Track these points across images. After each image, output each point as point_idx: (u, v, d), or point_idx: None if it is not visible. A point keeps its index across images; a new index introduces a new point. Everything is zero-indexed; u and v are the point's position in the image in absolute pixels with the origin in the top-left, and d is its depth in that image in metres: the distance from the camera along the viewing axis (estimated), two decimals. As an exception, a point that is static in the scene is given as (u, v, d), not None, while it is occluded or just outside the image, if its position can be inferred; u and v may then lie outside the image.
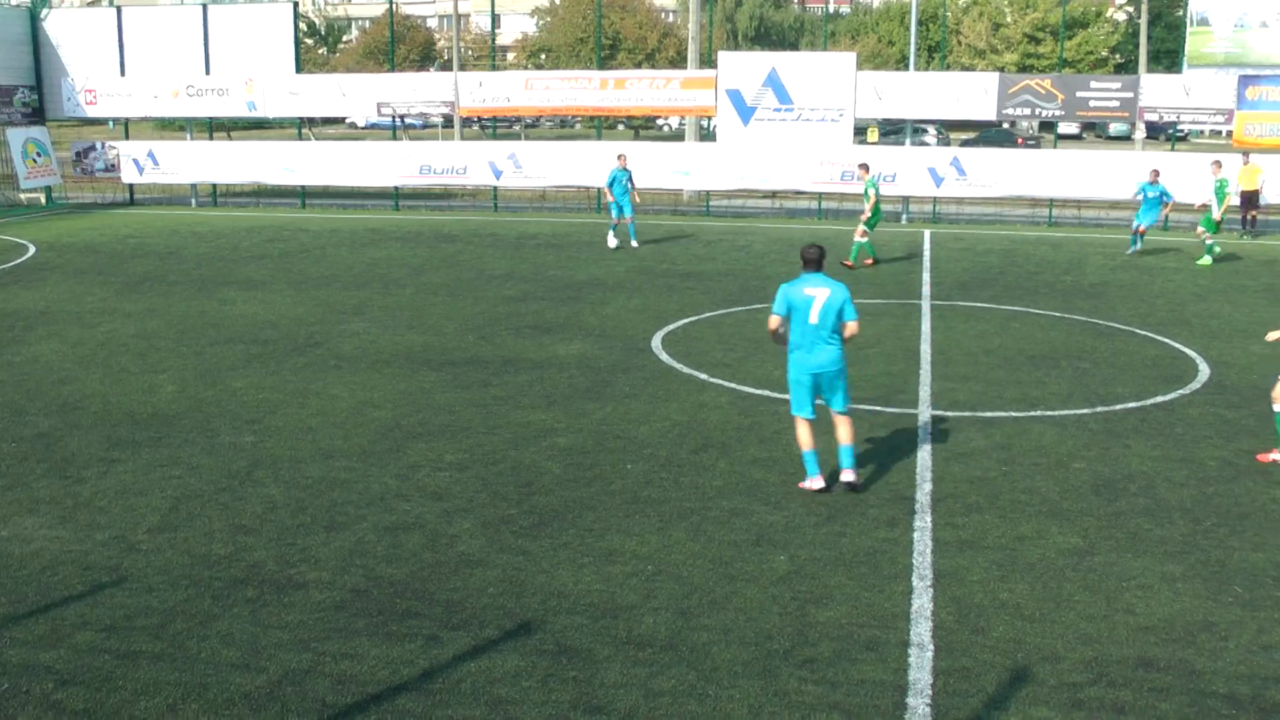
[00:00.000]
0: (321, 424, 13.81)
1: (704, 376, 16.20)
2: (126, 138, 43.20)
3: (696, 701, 7.62)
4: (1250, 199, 33.60)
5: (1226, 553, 10.29)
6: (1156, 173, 30.18)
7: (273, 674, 7.91)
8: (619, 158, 30.62)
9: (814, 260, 11.63)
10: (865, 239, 27.01)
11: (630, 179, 30.13)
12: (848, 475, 11.66)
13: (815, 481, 11.66)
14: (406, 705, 7.54)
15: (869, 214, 26.92)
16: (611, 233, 30.27)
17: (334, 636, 8.47)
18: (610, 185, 29.92)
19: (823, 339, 11.46)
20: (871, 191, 26.92)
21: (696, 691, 7.75)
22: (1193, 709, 7.65)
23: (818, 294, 11.44)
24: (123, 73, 40.57)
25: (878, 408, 14.74)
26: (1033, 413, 14.67)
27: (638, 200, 31.03)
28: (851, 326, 11.50)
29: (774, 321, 11.63)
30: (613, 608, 9.00)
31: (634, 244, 30.13)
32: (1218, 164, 30.13)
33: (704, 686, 7.82)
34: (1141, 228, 29.97)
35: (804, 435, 11.70)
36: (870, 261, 27.34)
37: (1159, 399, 15.40)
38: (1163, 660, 8.29)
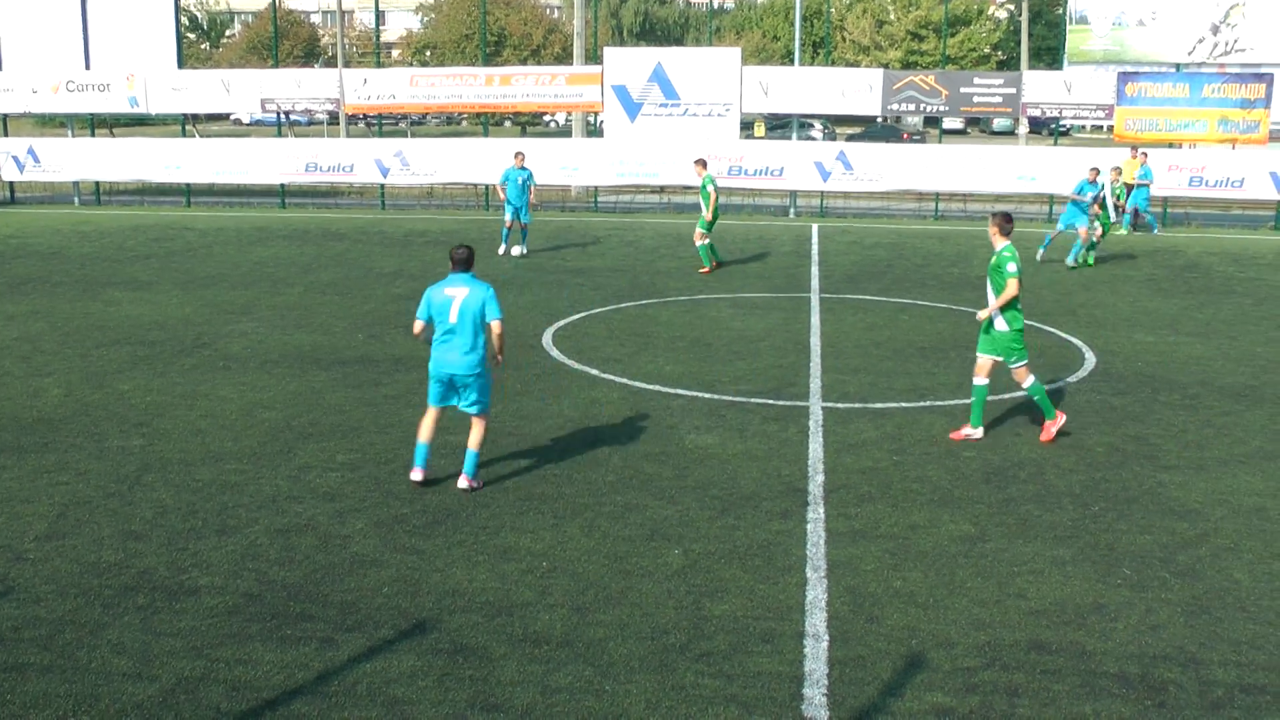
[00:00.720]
0: (211, 426, 13.58)
1: (595, 372, 16.17)
2: (5, 134, 42.11)
3: (594, 697, 7.60)
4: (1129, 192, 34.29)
5: (1115, 536, 10.49)
6: (1096, 171, 28.12)
7: (165, 682, 7.75)
8: (516, 155, 28.40)
9: (461, 260, 11.59)
10: (706, 241, 25.54)
11: (529, 180, 27.89)
12: (463, 481, 11.50)
13: (416, 473, 11.59)
14: (302, 709, 7.43)
15: (709, 214, 25.18)
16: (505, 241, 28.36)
17: (227, 642, 8.32)
18: (503, 183, 27.94)
19: (462, 340, 11.33)
20: (711, 189, 25.16)
21: (593, 687, 7.73)
22: (1084, 689, 7.79)
23: (457, 294, 11.39)
24: (0, 67, 39.55)
25: (769, 400, 14.82)
26: (923, 403, 14.85)
27: (535, 203, 28.79)
28: (495, 326, 11.42)
29: (417, 326, 11.64)
30: (508, 605, 8.94)
31: (520, 250, 27.95)
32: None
33: (601, 682, 7.80)
34: (1083, 230, 27.16)
35: (424, 426, 11.68)
36: (707, 269, 25.47)
37: (1047, 387, 15.61)
38: (1054, 643, 8.43)
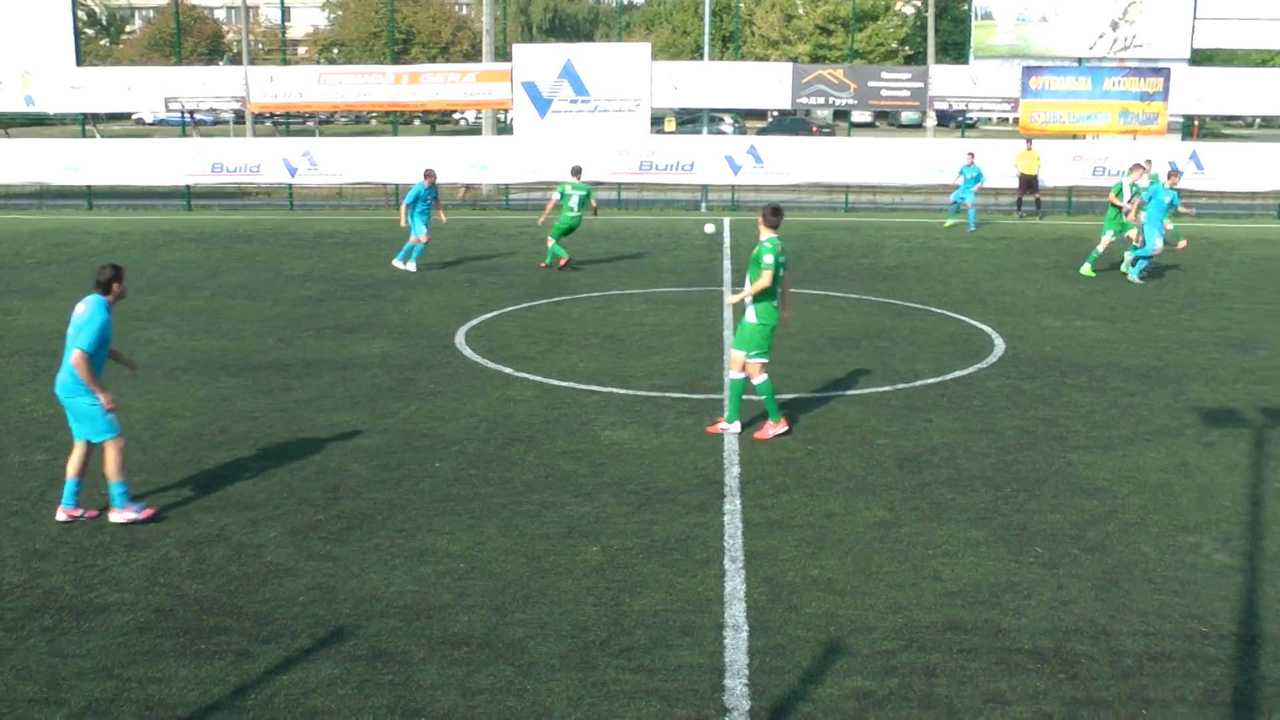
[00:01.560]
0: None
1: (509, 371, 16.10)
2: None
3: (515, 697, 7.56)
4: (1029, 183, 34.98)
5: (1026, 516, 10.64)
6: (972, 155, 33.38)
7: (74, 706, 7.56)
8: (426, 174, 25.73)
9: (103, 283, 11.03)
10: (554, 244, 24.94)
11: (436, 197, 25.59)
12: (114, 515, 10.69)
13: (71, 512, 10.78)
14: (217, 723, 7.32)
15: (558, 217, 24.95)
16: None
17: (139, 660, 8.15)
18: (411, 203, 25.24)
19: (64, 362, 10.75)
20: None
21: (514, 687, 7.68)
22: (1000, 666, 7.91)
23: (76, 313, 10.83)
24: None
25: (683, 394, 14.84)
26: (836, 393, 14.94)
27: (443, 220, 27.08)
28: (75, 355, 10.57)
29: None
30: (426, 608, 8.87)
31: (410, 267, 25.26)
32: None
33: (522, 682, 7.75)
34: (968, 203, 32.31)
35: (71, 463, 10.89)
36: (553, 263, 24.98)
37: (957, 374, 15.82)
38: (970, 622, 8.53)
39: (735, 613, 8.74)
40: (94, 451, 10.86)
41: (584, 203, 24.91)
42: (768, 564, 9.62)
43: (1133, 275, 23.57)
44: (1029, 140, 35.34)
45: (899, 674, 7.80)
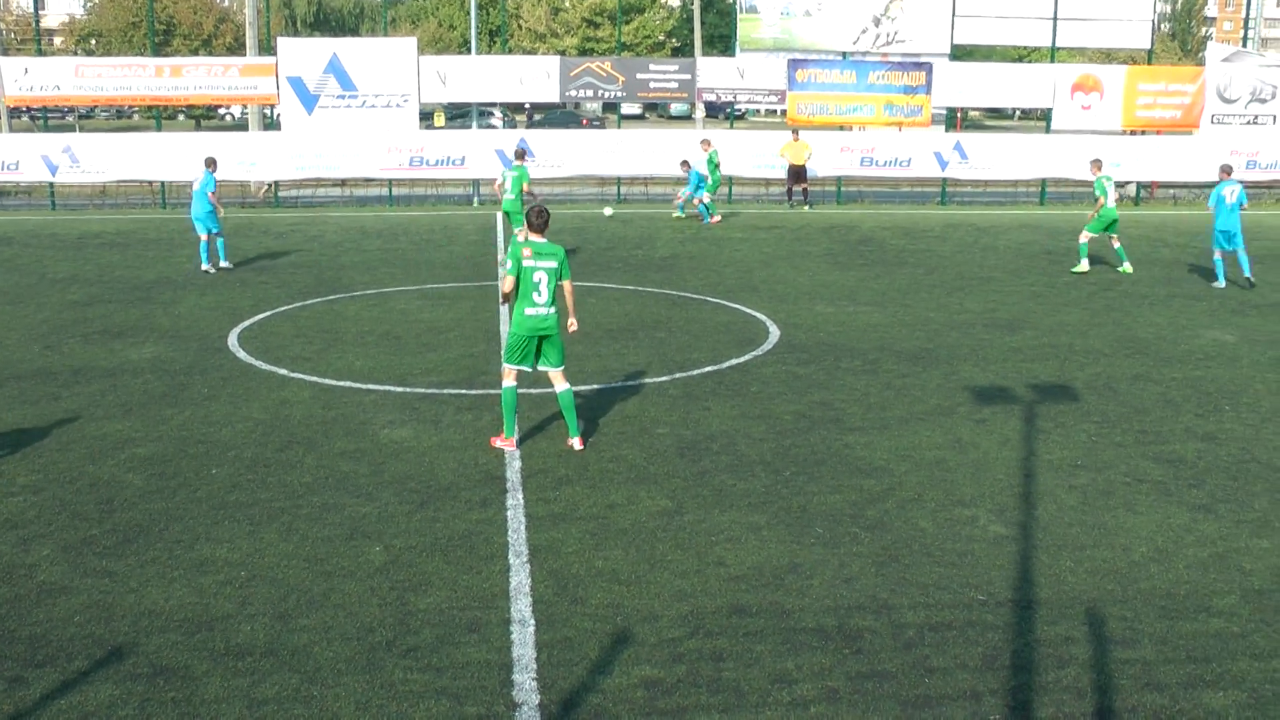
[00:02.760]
0: None
1: (284, 372, 15.77)
2: None
3: (302, 705, 7.41)
4: (798, 173, 35.73)
5: (806, 498, 10.87)
6: (707, 141, 33.74)
7: None
8: (208, 162, 24.77)
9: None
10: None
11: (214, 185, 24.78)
12: None
13: None
14: (-12, 751, 6.99)
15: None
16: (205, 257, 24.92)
17: (-102, 686, 7.74)
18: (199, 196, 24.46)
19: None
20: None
21: (301, 695, 7.53)
22: (785, 646, 8.06)
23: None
24: None
25: (462, 390, 14.74)
26: (614, 384, 15.01)
27: (222, 214, 25.54)
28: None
29: None
30: (208, 619, 8.62)
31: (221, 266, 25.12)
32: (705, 142, 32.68)
33: (308, 688, 7.61)
34: (696, 199, 32.73)
35: None
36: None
37: (734, 361, 16.05)
38: (754, 605, 8.67)
39: (521, 607, 8.71)
40: None
41: (518, 185, 24.74)
42: (552, 557, 9.62)
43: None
44: (795, 131, 36.08)
45: (686, 660, 7.87)
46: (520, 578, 9.23)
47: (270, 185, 39.33)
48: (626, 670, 7.76)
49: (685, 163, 33.80)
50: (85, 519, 10.71)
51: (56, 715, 7.40)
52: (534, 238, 12.30)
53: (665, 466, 11.83)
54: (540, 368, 12.49)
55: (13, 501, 11.18)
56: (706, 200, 32.73)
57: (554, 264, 12.27)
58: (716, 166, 33.07)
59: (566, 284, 12.53)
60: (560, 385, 12.51)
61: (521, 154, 26.71)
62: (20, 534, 10.38)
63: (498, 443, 12.58)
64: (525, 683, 7.63)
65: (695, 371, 15.51)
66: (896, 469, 11.73)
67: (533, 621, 8.47)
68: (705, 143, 33.47)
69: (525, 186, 24.97)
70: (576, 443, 12.49)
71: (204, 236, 24.26)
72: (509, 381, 12.42)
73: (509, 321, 12.58)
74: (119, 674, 7.88)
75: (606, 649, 8.05)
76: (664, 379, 15.21)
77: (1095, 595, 8.96)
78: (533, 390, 14.51)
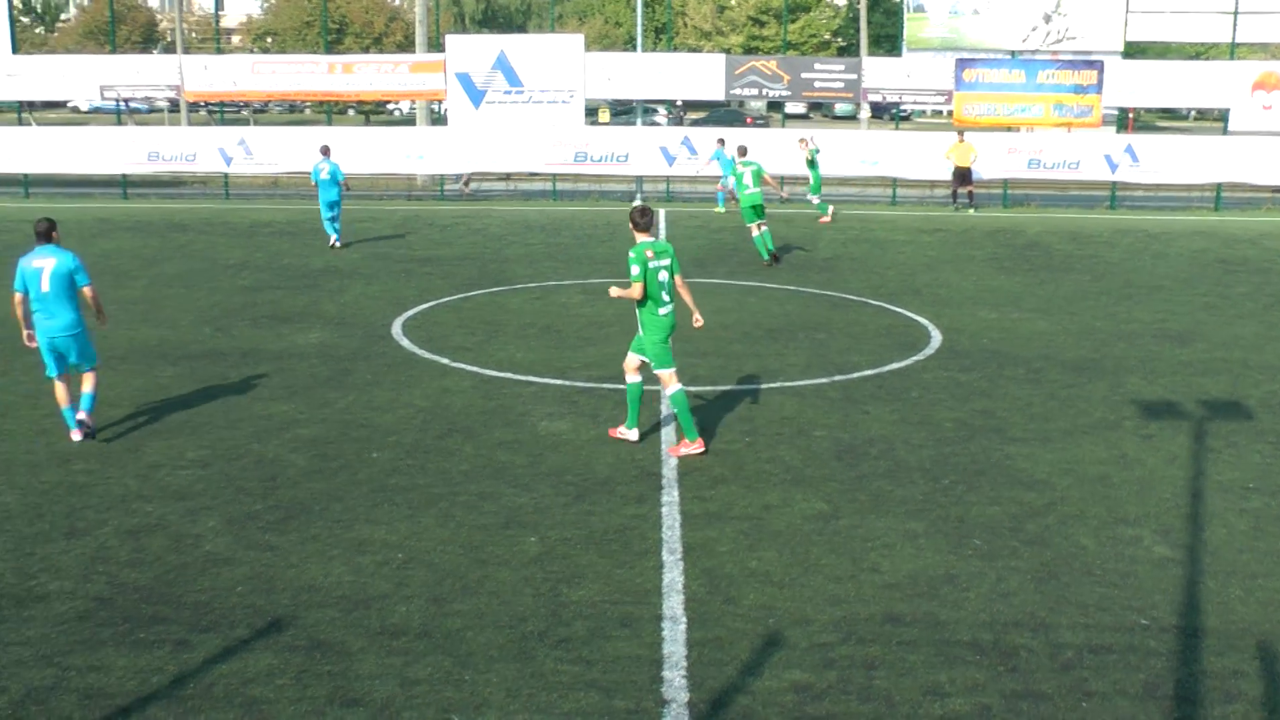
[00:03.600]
0: (56, 426, 13.08)
1: (446, 361, 15.99)
2: None
3: (453, 688, 7.50)
4: (963, 175, 35.10)
5: (965, 508, 10.66)
6: (721, 141, 35.19)
7: (14, 694, 7.45)
8: (323, 149, 28.16)
9: (43, 233, 12.43)
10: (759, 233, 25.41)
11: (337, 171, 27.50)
12: (81, 416, 12.44)
13: (74, 434, 12.53)
14: (157, 714, 7.21)
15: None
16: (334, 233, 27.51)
17: (78, 649, 8.03)
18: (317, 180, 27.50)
19: (58, 305, 12.24)
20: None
21: (453, 678, 7.62)
22: (939, 658, 7.90)
23: (46, 264, 12.21)
24: None
25: (620, 385, 14.71)
26: (773, 384, 14.93)
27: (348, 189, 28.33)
28: (87, 291, 12.46)
29: (15, 299, 12.31)
30: (365, 598, 8.79)
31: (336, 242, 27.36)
32: (804, 140, 33.21)
33: (460, 672, 7.69)
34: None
35: (59, 393, 12.61)
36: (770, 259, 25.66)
37: (895, 365, 15.86)
38: (908, 614, 8.53)
39: (674, 604, 8.70)
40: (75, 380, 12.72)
41: (758, 178, 24.72)
42: (706, 556, 9.59)
43: None
44: (961, 133, 35.50)
45: (838, 666, 7.79)
46: (673, 575, 9.23)
47: (467, 179, 39.83)
48: (777, 673, 7.70)
49: (721, 140, 35.12)
50: (250, 494, 11.01)
51: (218, 679, 7.63)
52: (646, 238, 12.07)
53: (822, 469, 11.73)
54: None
55: (182, 475, 11.55)
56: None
57: (669, 260, 12.16)
58: (815, 164, 33.33)
59: (679, 279, 12.35)
60: (673, 387, 12.25)
61: (744, 150, 26.53)
62: (188, 505, 10.72)
63: (683, 449, 12.22)
64: (675, 680, 7.61)
65: (855, 374, 15.36)
66: (1058, 483, 11.45)
67: (684, 619, 8.46)
68: (803, 141, 33.60)
69: (766, 178, 25.00)
70: (699, 446, 12.21)
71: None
72: (676, 386, 12.22)
73: (640, 328, 12.25)
74: (278, 644, 8.09)
75: (757, 650, 8.00)
76: (823, 381, 15.09)
77: (1267, 628, 8.56)
78: (691, 388, 14.52)
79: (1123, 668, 7.87)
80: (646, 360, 12.30)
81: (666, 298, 12.10)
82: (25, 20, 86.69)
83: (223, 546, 9.81)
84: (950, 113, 37.44)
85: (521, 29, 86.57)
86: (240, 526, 10.24)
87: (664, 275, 12.03)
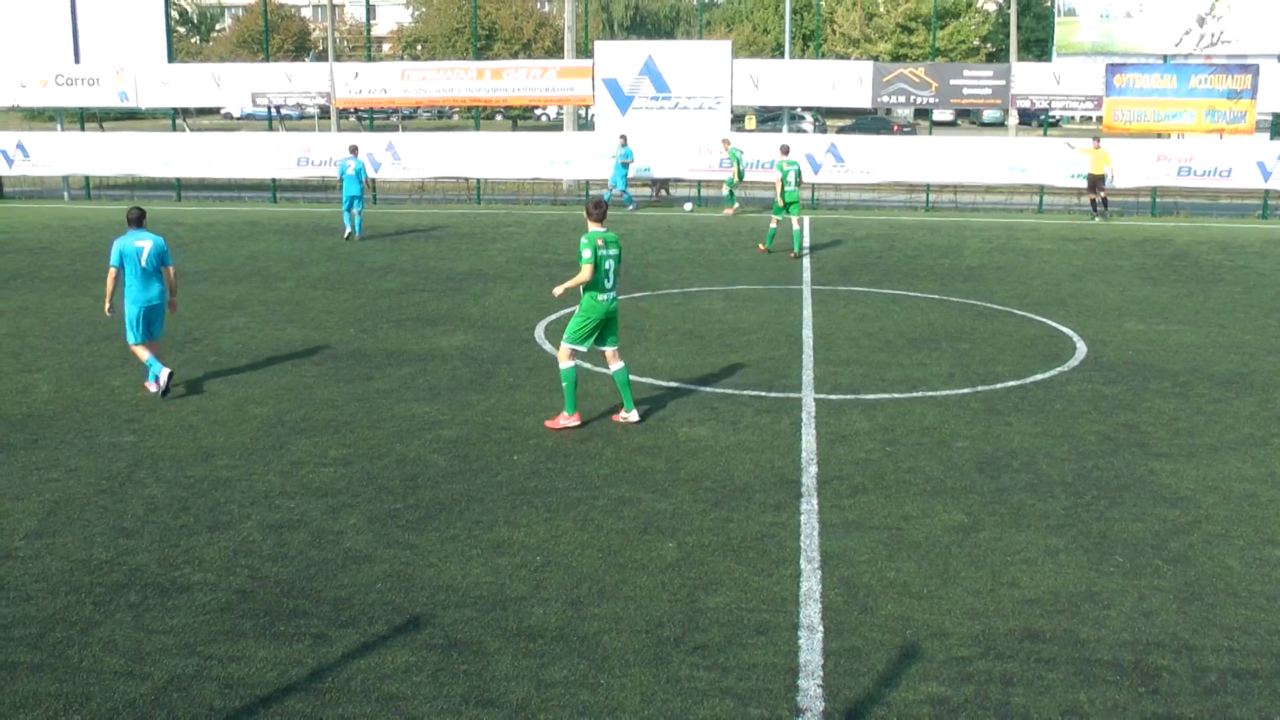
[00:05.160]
0: (202, 422, 13.54)
1: (587, 366, 16.14)
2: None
3: (589, 691, 7.59)
4: (1095, 182, 34.35)
5: (1107, 524, 10.50)
6: (624, 137, 36.03)
7: (158, 680, 7.72)
8: (351, 149, 31.06)
9: (136, 219, 14.82)
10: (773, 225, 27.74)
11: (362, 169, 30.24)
12: (164, 376, 14.57)
13: (152, 385, 14.76)
14: (296, 706, 7.40)
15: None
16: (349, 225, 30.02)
17: (220, 639, 8.30)
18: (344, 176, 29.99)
19: (154, 279, 14.69)
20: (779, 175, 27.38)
21: (588, 681, 7.71)
22: (1078, 678, 7.79)
23: (145, 244, 14.58)
24: (-13, 61, 39.44)
25: (761, 392, 14.81)
26: (915, 394, 14.84)
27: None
28: (170, 270, 14.90)
29: (111, 274, 14.68)
30: (502, 599, 8.93)
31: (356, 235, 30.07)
32: (725, 141, 34.08)
33: (595, 676, 7.78)
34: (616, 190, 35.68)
35: (142, 353, 14.81)
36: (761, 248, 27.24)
37: (1038, 377, 15.67)
38: (1048, 631, 8.43)
39: (810, 613, 8.71)
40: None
41: (799, 177, 27.36)
42: (844, 565, 9.59)
43: None
44: (1097, 139, 34.81)
45: (975, 681, 7.74)
46: (811, 583, 9.24)
47: (658, 184, 40.12)
48: (914, 685, 7.68)
49: (726, 141, 35.68)
50: (390, 493, 11.25)
51: (355, 674, 7.81)
52: (599, 228, 13.02)
53: (963, 481, 11.64)
54: (599, 348, 13.42)
55: (324, 472, 11.85)
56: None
57: (616, 251, 13.15)
58: (738, 161, 34.63)
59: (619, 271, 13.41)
60: (616, 364, 13.49)
61: (787, 149, 28.27)
62: (330, 502, 10.99)
63: (562, 421, 13.30)
64: (810, 689, 7.63)
65: (998, 385, 15.21)
66: (1204, 500, 11.21)
67: (821, 628, 8.46)
68: (725, 141, 35.31)
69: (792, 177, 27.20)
70: (633, 415, 13.50)
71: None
72: (569, 363, 13.29)
73: (579, 308, 13.21)
74: (415, 642, 8.25)
75: (894, 662, 7.98)
76: (966, 391, 14.96)
77: None
78: (832, 396, 14.51)
79: (1268, 694, 7.67)
80: (577, 347, 13.29)
81: (609, 285, 13.09)
82: (181, 30, 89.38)
83: (363, 544, 10.04)
84: (1099, 119, 36.77)
85: (669, 35, 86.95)
86: (381, 524, 10.47)
87: (610, 264, 13.00)
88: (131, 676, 7.77)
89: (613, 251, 13.01)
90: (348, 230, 29.62)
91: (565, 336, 13.26)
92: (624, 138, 35.90)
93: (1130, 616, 8.70)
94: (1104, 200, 34.75)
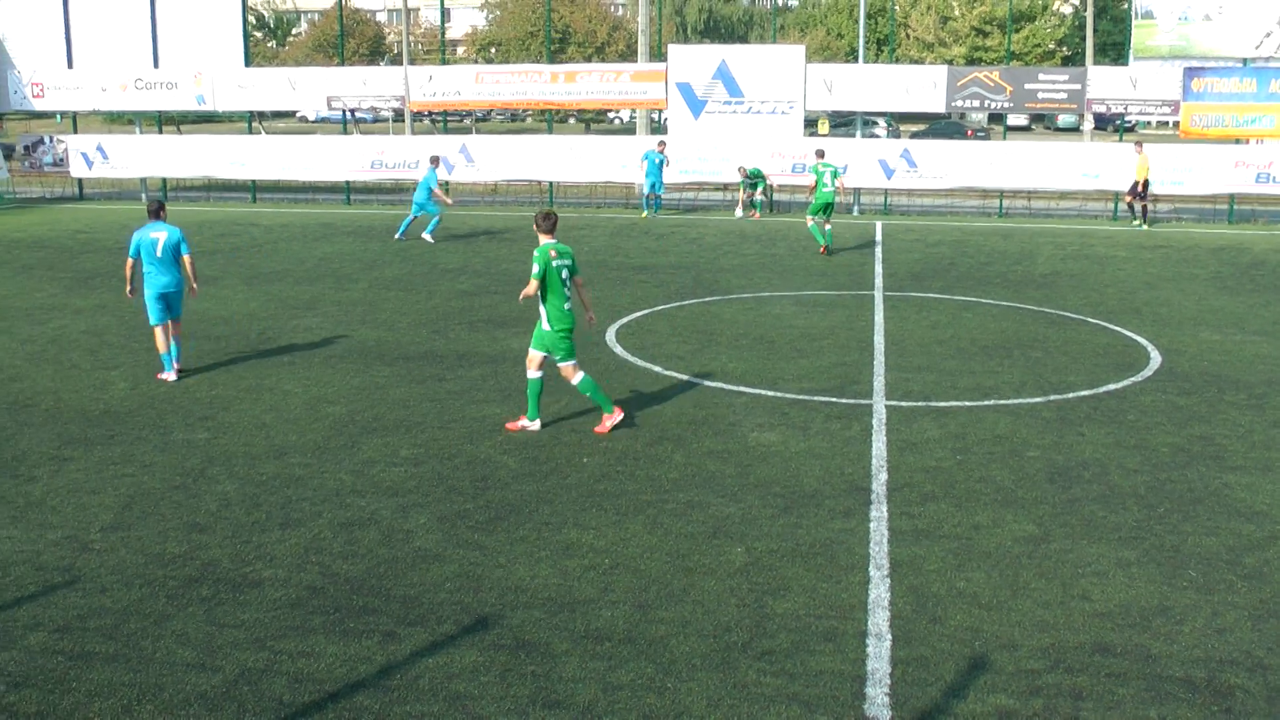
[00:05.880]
0: (275, 420, 13.71)
1: (658, 369, 16.18)
2: (75, 131, 42.77)
3: (655, 695, 7.60)
4: (1140, 188, 33.98)
5: (1180, 538, 10.37)
6: (663, 143, 36.20)
7: (229, 673, 7.84)
8: (433, 159, 31.35)
9: (154, 211, 15.93)
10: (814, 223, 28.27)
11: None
12: (171, 376, 15.61)
13: (169, 375, 15.67)
14: (364, 702, 7.48)
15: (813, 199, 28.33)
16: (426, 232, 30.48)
17: (290, 634, 8.41)
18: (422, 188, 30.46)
19: (170, 266, 15.59)
20: (826, 178, 27.87)
21: (655, 684, 7.73)
22: (1150, 694, 7.69)
23: (160, 235, 15.60)
24: (70, 65, 40.17)
25: (832, 398, 14.77)
26: (986, 402, 14.74)
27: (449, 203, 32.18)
28: (187, 259, 15.80)
29: (129, 263, 15.74)
30: (570, 601, 8.97)
31: (399, 237, 30.61)
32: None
33: (662, 679, 7.80)
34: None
35: (159, 340, 15.68)
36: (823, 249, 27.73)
37: (1111, 386, 15.51)
38: (1119, 646, 8.34)
39: (879, 621, 8.68)
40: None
41: (835, 178, 27.93)
42: (913, 573, 9.55)
43: None
44: (1139, 144, 34.44)
45: (1044, 695, 7.66)
46: (879, 591, 9.20)
47: (754, 192, 40.14)
48: (981, 697, 7.63)
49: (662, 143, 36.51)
50: (460, 494, 11.33)
51: (423, 672, 7.88)
52: (549, 239, 13.04)
53: (1034, 491, 11.55)
54: (539, 352, 13.29)
55: (395, 471, 11.96)
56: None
57: (569, 261, 13.15)
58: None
59: (580, 279, 13.43)
60: (536, 373, 13.29)
61: (822, 152, 29.60)
62: (400, 502, 11.09)
63: (522, 422, 13.39)
64: (878, 697, 7.60)
65: (1070, 395, 15.07)
66: (1279, 515, 11.09)
67: (889, 636, 8.43)
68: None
69: (840, 181, 28.24)
70: (535, 425, 13.40)
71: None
72: (579, 374, 13.30)
73: (546, 323, 13.11)
74: (483, 642, 8.30)
75: (962, 672, 7.94)
76: (1038, 400, 14.84)
77: None
78: (903, 403, 14.45)
79: (1345, 713, 7.55)
80: (548, 356, 13.25)
81: (568, 294, 13.06)
82: (259, 35, 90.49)
83: (433, 543, 10.13)
84: (1176, 124, 36.30)
85: (743, 39, 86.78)
86: (450, 524, 10.55)
87: (565, 275, 13.01)
88: (203, 669, 7.89)
89: (565, 262, 13.03)
90: (398, 236, 30.56)
91: (561, 357, 13.18)
92: (662, 143, 36.39)
93: (1203, 633, 8.58)
94: (1144, 208, 34.42)
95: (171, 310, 15.67)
